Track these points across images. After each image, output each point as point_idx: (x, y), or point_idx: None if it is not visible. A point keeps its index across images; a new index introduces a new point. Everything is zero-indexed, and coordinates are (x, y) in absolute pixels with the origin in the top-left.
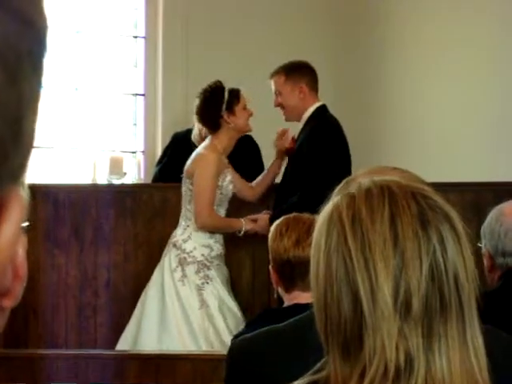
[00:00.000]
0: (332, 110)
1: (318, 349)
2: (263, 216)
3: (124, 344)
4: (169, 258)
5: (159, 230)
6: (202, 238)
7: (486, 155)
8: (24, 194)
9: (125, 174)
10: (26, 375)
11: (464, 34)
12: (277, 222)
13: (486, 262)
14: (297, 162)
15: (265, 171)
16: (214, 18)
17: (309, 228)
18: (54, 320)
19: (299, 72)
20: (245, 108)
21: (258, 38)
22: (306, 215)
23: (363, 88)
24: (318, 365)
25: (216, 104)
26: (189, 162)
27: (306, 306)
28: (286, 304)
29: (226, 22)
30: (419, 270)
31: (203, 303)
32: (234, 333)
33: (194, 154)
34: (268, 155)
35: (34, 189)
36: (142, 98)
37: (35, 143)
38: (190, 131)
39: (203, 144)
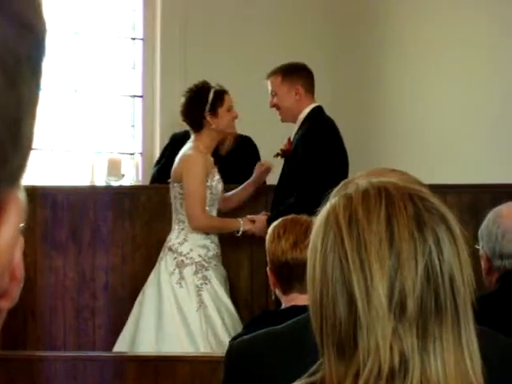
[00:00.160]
0: (330, 111)
1: (316, 350)
2: (261, 217)
3: (122, 344)
4: (165, 262)
5: (157, 232)
6: (198, 239)
7: (485, 156)
8: (22, 196)
9: (123, 175)
10: (24, 377)
11: (464, 34)
12: (274, 223)
13: (483, 264)
14: (293, 163)
15: (243, 186)
16: (212, 19)
17: (306, 230)
18: (52, 322)
19: (296, 73)
20: (229, 110)
21: (256, 39)
22: (303, 217)
23: (362, 88)
24: (314, 367)
25: (200, 104)
26: (175, 165)
27: (304, 308)
28: (283, 306)
29: (223, 24)
30: (414, 270)
31: (201, 304)
32: (232, 332)
33: (178, 157)
34: (266, 156)
35: (33, 190)
36: (140, 99)
37: (34, 145)
38: (188, 132)
39: (186, 145)
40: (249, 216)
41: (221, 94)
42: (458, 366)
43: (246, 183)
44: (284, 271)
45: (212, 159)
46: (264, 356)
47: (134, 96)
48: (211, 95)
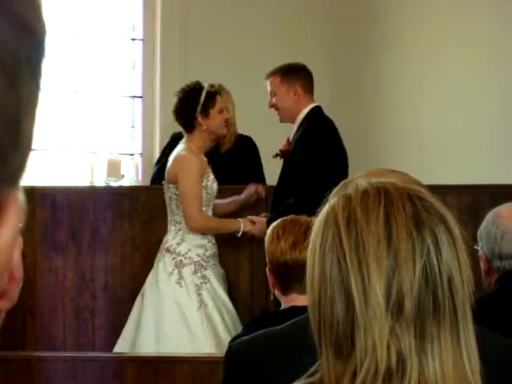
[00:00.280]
0: (330, 111)
1: (315, 351)
2: (261, 219)
3: (122, 345)
4: (163, 263)
5: (157, 233)
6: (195, 239)
7: (485, 156)
8: (21, 196)
9: (122, 176)
10: (23, 378)
11: (464, 34)
12: (273, 224)
13: (482, 265)
14: (292, 163)
15: (230, 200)
16: (212, 20)
17: (305, 230)
18: (51, 322)
19: (295, 74)
20: (221, 111)
21: (256, 39)
22: (302, 217)
23: (362, 89)
24: (313, 368)
25: (191, 105)
26: (169, 166)
27: (303, 309)
28: (283, 306)
29: (223, 25)
30: (412, 270)
31: (201, 303)
32: (232, 331)
33: (172, 158)
34: (267, 156)
35: (32, 191)
36: (140, 100)
37: (34, 145)
38: None
39: (179, 146)
40: (249, 217)
41: (213, 95)
42: (457, 367)
43: (234, 198)
44: (283, 272)
45: (205, 159)
46: (263, 357)
47: (134, 96)
48: (203, 96)
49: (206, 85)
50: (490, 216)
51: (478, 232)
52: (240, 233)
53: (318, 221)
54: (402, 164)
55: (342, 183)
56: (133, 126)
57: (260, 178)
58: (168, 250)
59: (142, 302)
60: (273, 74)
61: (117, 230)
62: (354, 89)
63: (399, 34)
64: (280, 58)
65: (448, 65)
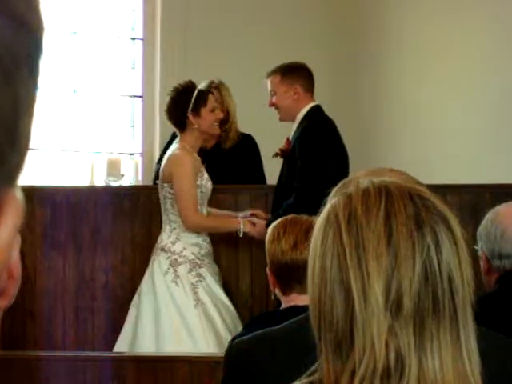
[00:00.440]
0: (330, 111)
1: (315, 351)
2: (261, 221)
3: (122, 345)
4: (158, 262)
5: (157, 232)
6: (190, 238)
7: (485, 156)
8: (20, 195)
9: (122, 175)
10: (23, 377)
11: (464, 34)
12: (274, 224)
13: (482, 264)
14: (291, 163)
15: (226, 213)
16: (212, 19)
17: (306, 231)
18: (51, 322)
19: (295, 73)
20: (212, 111)
21: (256, 39)
22: (303, 217)
23: (362, 89)
24: (313, 367)
25: (183, 104)
26: (162, 165)
27: (303, 309)
28: (283, 306)
29: (224, 24)
30: (412, 269)
31: (198, 301)
32: (231, 328)
33: (166, 157)
34: (267, 155)
35: (32, 191)
36: (140, 99)
37: (32, 145)
38: None
39: (173, 146)
40: (249, 218)
41: (205, 95)
42: (456, 366)
43: (229, 214)
44: (283, 272)
45: (199, 158)
46: (263, 356)
47: (134, 96)
48: (195, 95)
49: (205, 81)
50: (489, 215)
51: (478, 232)
52: (241, 233)
53: (320, 219)
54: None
55: (341, 182)
56: (133, 126)
57: (260, 177)
58: (163, 249)
59: (139, 302)
60: (273, 73)
61: (117, 229)
62: (353, 88)
63: (399, 34)
64: (280, 58)
65: (448, 65)
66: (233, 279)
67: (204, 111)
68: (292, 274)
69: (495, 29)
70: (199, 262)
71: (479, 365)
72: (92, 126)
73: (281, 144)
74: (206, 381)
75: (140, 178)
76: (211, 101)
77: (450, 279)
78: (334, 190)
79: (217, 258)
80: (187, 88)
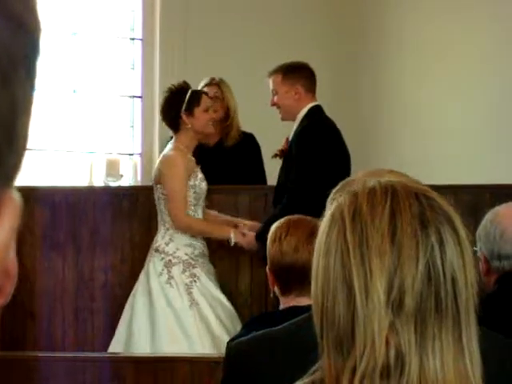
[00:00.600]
0: (330, 111)
1: (314, 351)
2: (250, 233)
3: (116, 346)
4: (153, 263)
5: (156, 233)
6: (184, 239)
7: (485, 156)
8: (17, 195)
9: (121, 176)
10: (23, 378)
11: (464, 34)
12: (277, 224)
13: (481, 265)
14: (287, 162)
15: (224, 219)
16: (212, 19)
17: (309, 234)
18: (51, 322)
19: (297, 73)
20: (206, 111)
21: (256, 39)
22: (308, 218)
23: (362, 88)
24: (314, 367)
25: (177, 104)
26: (156, 166)
27: (302, 309)
28: (281, 306)
29: (224, 24)
30: (415, 268)
31: (193, 302)
32: (229, 326)
33: (160, 158)
34: (268, 154)
35: (31, 191)
36: (140, 100)
37: (32, 146)
38: None
39: (168, 147)
40: (240, 228)
41: (198, 95)
42: (457, 367)
43: (232, 220)
44: (283, 274)
45: (193, 159)
46: (262, 357)
47: (133, 96)
48: (188, 95)
49: (206, 78)
50: (488, 216)
51: (477, 232)
52: (232, 243)
53: (326, 217)
54: (402, 164)
55: (342, 183)
56: (132, 126)
57: (261, 176)
58: (157, 250)
59: (134, 303)
60: (275, 72)
61: (116, 229)
62: (354, 88)
63: (399, 34)
64: (280, 58)
65: (448, 65)
66: (232, 278)
67: (197, 111)
68: (292, 276)
69: (495, 29)
70: (193, 262)
71: (480, 367)
72: (91, 127)
73: (281, 143)
74: (205, 381)
75: (139, 178)
76: (205, 101)
77: (454, 280)
78: (334, 190)
79: (216, 257)
80: (181, 89)
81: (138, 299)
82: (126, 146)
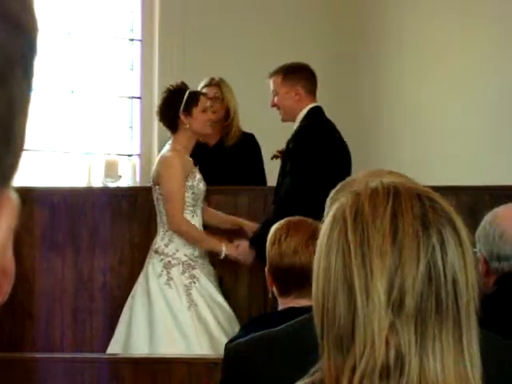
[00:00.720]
0: (329, 112)
1: (313, 352)
2: (243, 243)
3: (115, 347)
4: (152, 265)
5: (155, 234)
6: (183, 240)
7: (485, 157)
8: (14, 195)
9: (120, 177)
10: (21, 378)
11: (464, 34)
12: (277, 225)
13: (480, 266)
14: (284, 163)
15: (231, 218)
16: (211, 20)
17: (309, 237)
18: (49, 323)
19: (297, 74)
20: (204, 111)
21: (256, 40)
22: (308, 221)
23: (361, 89)
24: (314, 367)
25: (175, 105)
26: (154, 167)
27: (301, 310)
28: (280, 308)
29: (223, 25)
30: (416, 269)
31: (191, 303)
32: (227, 328)
33: (157, 159)
34: (268, 155)
35: (30, 192)
36: (138, 100)
37: (31, 146)
38: None
39: (166, 147)
40: (235, 242)
41: (197, 95)
42: (458, 368)
43: (233, 218)
44: (282, 275)
45: (191, 159)
46: (261, 358)
47: (132, 97)
48: (186, 95)
49: (206, 78)
50: (487, 217)
51: (476, 234)
52: (222, 256)
53: (328, 218)
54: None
55: (340, 184)
56: (131, 127)
57: (261, 177)
58: (156, 252)
59: (133, 304)
60: (275, 73)
61: (115, 230)
62: (354, 88)
63: (399, 33)
64: (280, 58)
65: (448, 65)
66: (231, 280)
67: (196, 111)
68: (291, 278)
69: (495, 29)
70: (192, 263)
71: (480, 369)
72: (90, 127)
73: (279, 144)
74: (204, 382)
75: (138, 179)
76: (203, 101)
77: (455, 281)
78: (334, 191)
79: (216, 258)
80: (179, 89)
81: (137, 300)
82: (124, 146)
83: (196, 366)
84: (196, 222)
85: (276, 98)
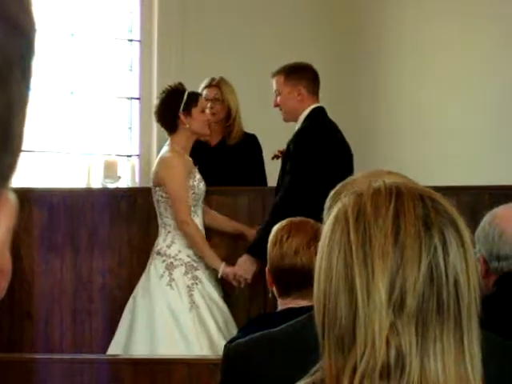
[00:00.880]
0: (329, 112)
1: (312, 353)
2: (241, 259)
3: (116, 347)
4: (154, 266)
5: (154, 234)
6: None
7: (485, 157)
8: (12, 196)
9: (119, 177)
10: (20, 379)
11: (464, 34)
12: (279, 225)
13: (480, 267)
14: (283, 164)
15: (232, 223)
16: (210, 20)
17: (310, 238)
18: (48, 324)
19: (300, 74)
20: (203, 111)
21: (256, 40)
22: (310, 222)
23: (361, 89)
24: (314, 368)
25: (174, 105)
26: (154, 169)
27: (300, 311)
28: (279, 308)
29: (222, 25)
30: (417, 269)
31: (193, 304)
32: (225, 331)
33: (157, 160)
34: (268, 154)
35: (29, 193)
36: (137, 101)
37: (30, 147)
38: None
39: (164, 148)
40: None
41: (195, 96)
42: (458, 370)
43: (238, 228)
44: (282, 276)
45: (191, 159)
46: (260, 359)
47: (131, 98)
48: (185, 96)
49: (206, 78)
50: (487, 217)
51: (476, 234)
52: (220, 274)
53: (330, 218)
54: (402, 165)
55: (340, 184)
56: (130, 128)
57: (261, 177)
58: (159, 253)
59: (134, 305)
60: (278, 73)
61: (114, 231)
62: (353, 88)
63: (399, 33)
64: (280, 58)
65: (448, 65)
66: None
67: (195, 111)
68: (291, 279)
69: (495, 29)
70: (195, 264)
71: (481, 370)
72: (89, 128)
73: (279, 145)
74: (204, 383)
75: (137, 180)
76: (202, 102)
77: (456, 282)
78: (334, 191)
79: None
80: (177, 90)
81: (138, 301)
82: (123, 147)
83: (196, 366)
84: (197, 221)
85: (278, 98)
